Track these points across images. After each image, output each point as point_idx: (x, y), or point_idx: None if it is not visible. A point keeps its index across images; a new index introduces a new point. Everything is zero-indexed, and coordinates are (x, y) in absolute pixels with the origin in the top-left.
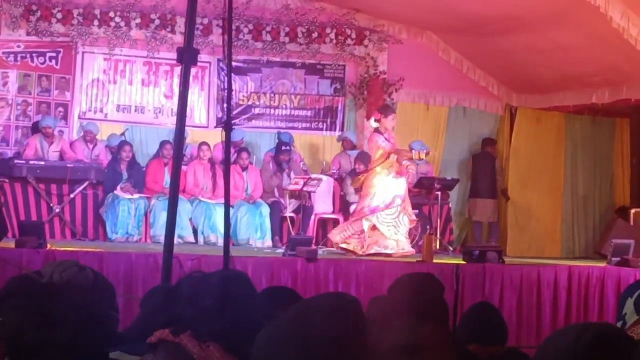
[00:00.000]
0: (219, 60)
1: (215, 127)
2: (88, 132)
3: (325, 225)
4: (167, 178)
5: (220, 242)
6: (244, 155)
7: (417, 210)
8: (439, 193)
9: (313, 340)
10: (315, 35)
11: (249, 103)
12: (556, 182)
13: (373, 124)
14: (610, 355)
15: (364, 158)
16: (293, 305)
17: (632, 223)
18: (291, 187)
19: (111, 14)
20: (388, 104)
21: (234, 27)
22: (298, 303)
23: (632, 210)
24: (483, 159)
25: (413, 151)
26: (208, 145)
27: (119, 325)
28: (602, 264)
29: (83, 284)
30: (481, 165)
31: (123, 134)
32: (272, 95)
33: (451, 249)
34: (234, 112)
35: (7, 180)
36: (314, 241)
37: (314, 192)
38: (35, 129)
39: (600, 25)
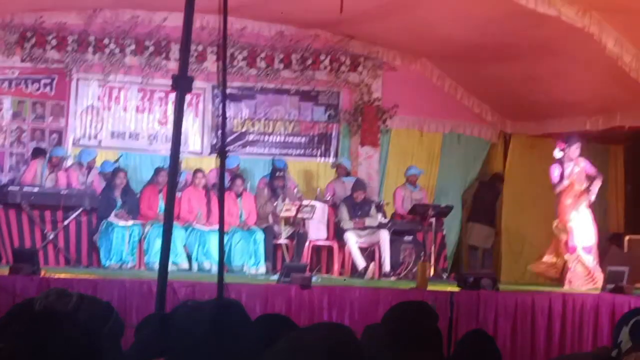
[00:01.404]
0: (213, 87)
1: (209, 153)
2: (90, 161)
3: (319, 252)
4: (161, 204)
5: (215, 268)
6: (239, 182)
7: (411, 237)
8: (433, 220)
9: None
10: (309, 61)
11: (243, 130)
12: (550, 208)
13: (557, 154)
14: None
15: (362, 186)
16: (288, 337)
17: (626, 250)
18: (285, 213)
19: (106, 41)
20: (572, 135)
21: (228, 54)
22: (293, 335)
23: (626, 237)
24: (489, 189)
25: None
26: (202, 172)
27: (122, 335)
28: (597, 291)
29: (64, 310)
30: (486, 194)
31: (117, 160)
32: (266, 121)
33: (445, 275)
34: (229, 139)
35: (1, 207)
36: (308, 268)
37: (310, 218)
38: (36, 153)
39: (594, 52)
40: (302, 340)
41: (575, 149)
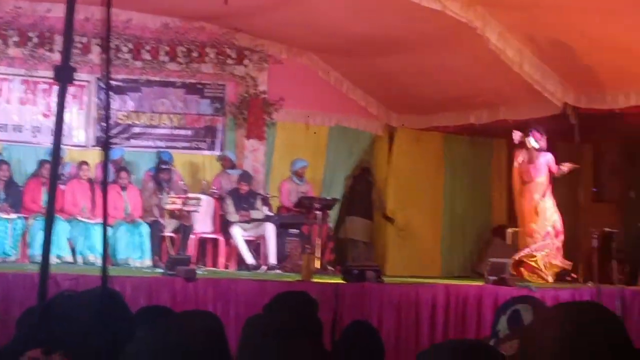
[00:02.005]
0: (98, 79)
1: (93, 146)
2: None
3: (204, 244)
4: (45, 198)
5: (99, 262)
6: (123, 174)
7: (296, 230)
8: (319, 213)
9: (174, 358)
10: (195, 54)
11: (129, 122)
12: (435, 201)
13: (534, 144)
14: None
15: (248, 178)
16: (157, 323)
17: (509, 242)
18: (170, 206)
19: None
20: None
21: (113, 46)
22: (159, 321)
23: (509, 230)
24: (362, 182)
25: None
26: (87, 165)
27: None
28: (480, 283)
29: None
30: (360, 187)
31: (0, 153)
32: (151, 114)
33: (331, 268)
34: (113, 131)
35: None
36: (193, 261)
37: (195, 211)
38: None
39: (478, 47)
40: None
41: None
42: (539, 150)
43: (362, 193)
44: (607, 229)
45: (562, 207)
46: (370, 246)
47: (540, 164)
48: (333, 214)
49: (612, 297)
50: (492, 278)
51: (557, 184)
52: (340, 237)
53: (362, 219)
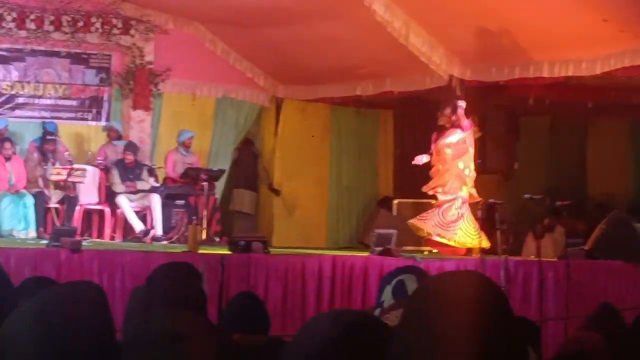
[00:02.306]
0: None
1: None
2: None
3: (90, 216)
4: None
5: None
6: (7, 145)
7: (183, 201)
8: (205, 184)
9: (55, 329)
10: (80, 24)
11: (13, 92)
12: (322, 173)
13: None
14: (363, 342)
15: (133, 148)
16: (39, 293)
17: (395, 213)
18: (55, 177)
19: None
20: (455, 102)
21: None
22: (40, 293)
23: (395, 201)
24: (247, 154)
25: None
26: None
27: None
28: (366, 254)
29: None
30: (245, 159)
31: None
32: (36, 84)
33: (217, 239)
34: None
35: None
36: (78, 232)
37: (81, 182)
38: None
39: (365, 18)
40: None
41: (461, 116)
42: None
43: (247, 165)
44: (491, 200)
45: None
46: (255, 218)
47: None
48: (220, 185)
49: (496, 267)
50: (377, 249)
51: None
52: (227, 209)
53: (248, 191)
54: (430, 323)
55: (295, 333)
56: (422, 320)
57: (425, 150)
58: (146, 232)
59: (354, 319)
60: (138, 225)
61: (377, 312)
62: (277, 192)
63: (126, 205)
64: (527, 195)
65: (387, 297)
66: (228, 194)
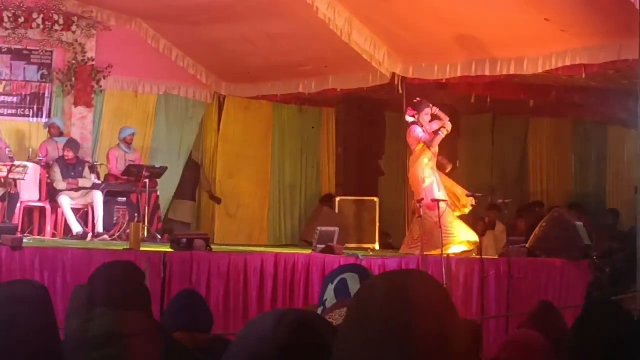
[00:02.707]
0: None
1: None
2: None
3: (31, 213)
4: None
5: None
6: None
7: (125, 198)
8: (147, 181)
9: None
10: (22, 20)
11: None
12: (264, 170)
13: (409, 119)
14: (307, 340)
15: (74, 145)
16: None
17: (337, 211)
18: None
19: None
20: (421, 100)
21: None
22: None
23: (338, 199)
24: (190, 167)
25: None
26: None
27: None
28: (308, 252)
29: None
30: (188, 171)
31: None
32: None
33: (159, 237)
34: None
35: None
36: (19, 229)
37: (22, 179)
38: None
39: (308, 16)
40: None
41: (425, 115)
42: (413, 123)
43: (187, 174)
44: (433, 198)
45: (392, 176)
46: (193, 227)
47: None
48: (166, 197)
49: (438, 265)
50: (320, 246)
51: (389, 154)
52: (169, 218)
53: (188, 201)
54: (374, 321)
55: (239, 331)
56: (365, 319)
57: (368, 148)
58: (84, 235)
59: (297, 317)
60: (76, 227)
61: (320, 311)
62: (218, 201)
63: (67, 205)
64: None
65: (330, 296)
66: (170, 203)
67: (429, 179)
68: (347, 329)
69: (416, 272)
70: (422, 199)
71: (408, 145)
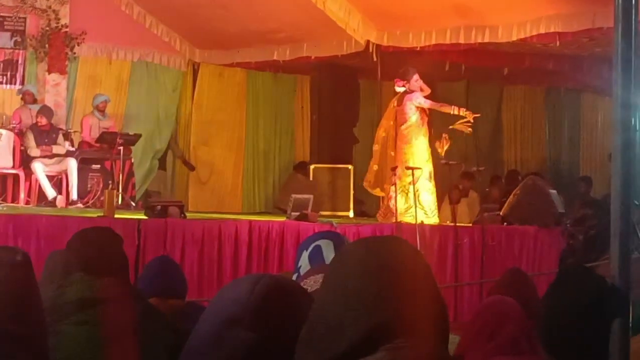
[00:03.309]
0: None
1: None
2: None
3: (5, 180)
4: None
5: None
6: None
7: (99, 165)
8: (121, 148)
9: None
10: None
11: None
12: (238, 137)
13: (400, 89)
14: (281, 303)
15: (47, 112)
16: None
17: (311, 178)
18: None
19: None
20: (406, 68)
21: None
22: None
23: (312, 166)
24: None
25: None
26: None
27: None
28: (282, 219)
29: None
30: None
31: None
32: None
33: (133, 204)
34: None
35: None
36: None
37: None
38: None
39: None
40: None
41: (414, 82)
42: (405, 93)
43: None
44: (407, 166)
45: (366, 144)
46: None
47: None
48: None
49: (411, 232)
50: (294, 214)
51: (363, 122)
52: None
53: (160, 171)
54: (350, 286)
55: (217, 293)
56: (342, 284)
57: (342, 116)
58: (58, 201)
59: (271, 281)
60: (51, 193)
61: (294, 277)
62: (191, 167)
63: (40, 172)
64: (443, 161)
65: (304, 262)
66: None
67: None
68: (324, 294)
69: (392, 237)
70: (397, 167)
71: (395, 117)
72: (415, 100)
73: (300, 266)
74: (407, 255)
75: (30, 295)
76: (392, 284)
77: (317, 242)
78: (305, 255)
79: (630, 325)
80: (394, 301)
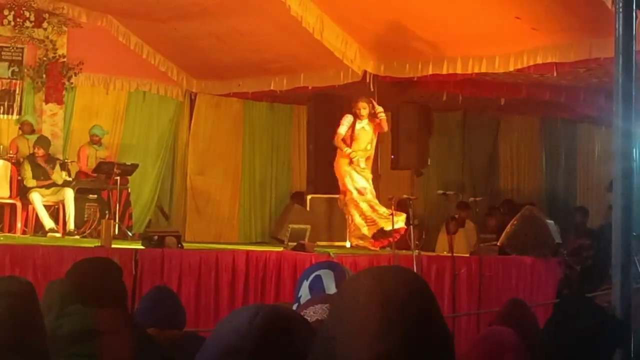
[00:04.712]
0: None
1: None
2: None
3: (2, 210)
4: None
5: None
6: None
7: (95, 195)
8: (118, 178)
9: None
10: None
11: None
12: (235, 167)
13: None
14: (282, 334)
15: (44, 142)
16: None
17: (308, 208)
18: None
19: None
20: (359, 96)
21: None
22: None
23: (309, 196)
24: None
25: None
26: None
27: None
28: (279, 249)
29: None
30: None
31: None
32: None
33: (130, 234)
34: None
35: None
36: None
37: None
38: None
39: (279, 13)
40: None
41: (358, 110)
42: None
43: None
44: (404, 196)
45: None
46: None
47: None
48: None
49: (409, 262)
50: (291, 244)
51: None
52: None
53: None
54: (357, 317)
55: (213, 327)
56: (347, 315)
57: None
58: (54, 232)
59: (272, 312)
60: (48, 224)
61: (295, 307)
62: (165, 216)
63: (38, 202)
64: (440, 191)
65: (305, 292)
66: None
67: None
68: (329, 324)
69: (398, 267)
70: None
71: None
72: (341, 126)
73: (301, 296)
74: (413, 285)
75: (35, 325)
76: (397, 314)
77: (318, 272)
78: (305, 285)
79: (632, 355)
80: (399, 331)
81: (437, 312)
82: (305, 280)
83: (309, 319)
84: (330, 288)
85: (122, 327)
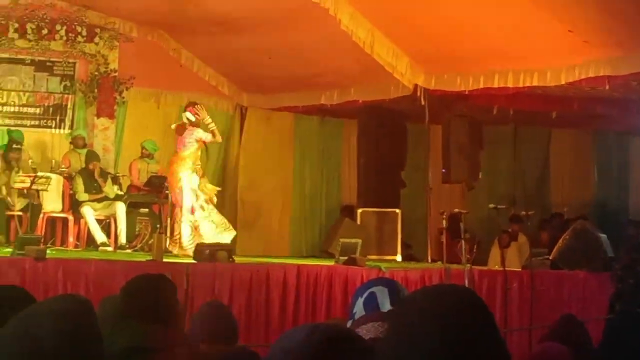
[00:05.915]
0: None
1: None
2: None
3: (54, 224)
4: None
5: None
6: None
7: (147, 209)
8: (168, 192)
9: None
10: (45, 31)
11: None
12: (285, 181)
13: (191, 117)
14: (338, 353)
15: (95, 156)
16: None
17: (358, 222)
18: (19, 185)
19: None
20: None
21: None
22: (28, 307)
23: (359, 210)
24: None
25: None
26: None
27: None
28: (330, 263)
29: None
30: None
31: None
32: (0, 92)
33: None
34: None
35: None
36: (42, 240)
37: (45, 190)
38: None
39: (329, 27)
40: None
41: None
42: (193, 124)
43: None
44: (455, 210)
45: (414, 188)
46: None
47: (188, 138)
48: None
49: (460, 277)
50: (342, 258)
51: (410, 166)
52: None
53: None
54: (416, 338)
55: (272, 344)
56: (407, 333)
57: (390, 160)
58: (106, 246)
59: (328, 331)
60: (100, 237)
61: (349, 324)
62: None
63: (90, 216)
64: (491, 205)
65: (359, 309)
66: None
67: None
68: (388, 342)
69: (457, 286)
70: None
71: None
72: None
73: (355, 312)
74: (473, 306)
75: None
76: (457, 336)
77: (372, 289)
78: (360, 301)
79: None
80: (458, 349)
81: (496, 333)
82: (360, 297)
83: (364, 336)
84: (385, 305)
85: (173, 344)
